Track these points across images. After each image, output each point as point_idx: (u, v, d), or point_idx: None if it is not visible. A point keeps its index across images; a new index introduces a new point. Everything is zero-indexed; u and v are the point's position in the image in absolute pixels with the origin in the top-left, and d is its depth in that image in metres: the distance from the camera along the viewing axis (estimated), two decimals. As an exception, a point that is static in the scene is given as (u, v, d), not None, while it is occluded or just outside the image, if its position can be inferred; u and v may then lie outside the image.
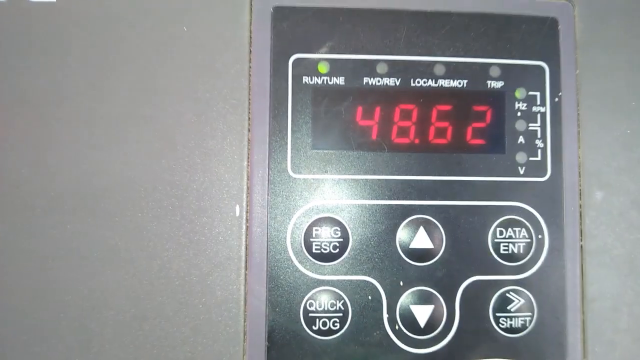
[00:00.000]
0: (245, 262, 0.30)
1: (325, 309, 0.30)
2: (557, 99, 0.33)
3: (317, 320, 0.30)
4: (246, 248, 0.30)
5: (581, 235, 0.32)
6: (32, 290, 0.29)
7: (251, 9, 0.31)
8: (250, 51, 0.31)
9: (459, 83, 0.32)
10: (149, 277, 0.30)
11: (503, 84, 0.32)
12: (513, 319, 0.31)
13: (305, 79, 0.31)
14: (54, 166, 0.30)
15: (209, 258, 0.30)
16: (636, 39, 0.34)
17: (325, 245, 0.30)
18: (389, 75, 0.32)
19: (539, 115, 0.32)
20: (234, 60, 0.31)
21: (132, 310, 0.29)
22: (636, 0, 0.35)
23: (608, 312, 0.32)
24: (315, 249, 0.30)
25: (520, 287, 0.32)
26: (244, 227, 0.30)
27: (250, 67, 0.31)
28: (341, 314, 0.30)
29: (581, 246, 0.32)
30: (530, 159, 0.32)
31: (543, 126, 0.32)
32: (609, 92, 0.34)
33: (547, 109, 0.32)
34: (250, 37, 0.31)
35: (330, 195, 0.31)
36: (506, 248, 0.32)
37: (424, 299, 0.31)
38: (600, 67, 0.34)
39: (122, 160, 0.30)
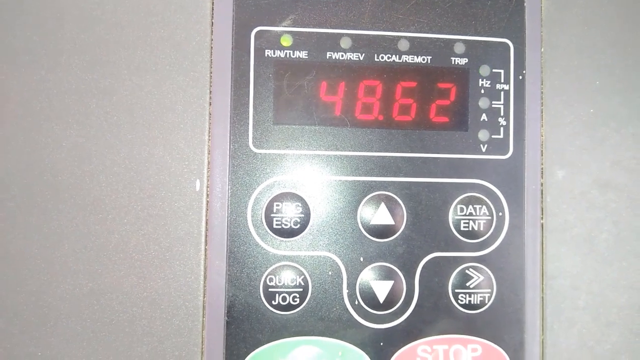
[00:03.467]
0: (205, 237, 0.32)
1: (285, 284, 0.32)
2: (521, 77, 0.34)
3: (277, 295, 0.32)
4: (206, 223, 0.32)
5: (542, 214, 0.35)
6: None
7: None
8: (212, 23, 0.32)
9: (423, 59, 0.34)
10: (107, 251, 0.31)
11: (467, 60, 0.34)
12: (472, 295, 0.33)
13: (268, 52, 0.33)
14: (13, 138, 0.31)
15: (168, 233, 0.31)
16: (602, 18, 0.36)
17: (286, 220, 0.32)
18: (352, 49, 0.33)
19: (502, 93, 0.34)
20: (195, 32, 0.32)
21: (89, 285, 0.31)
22: None
23: (567, 290, 0.35)
24: (276, 225, 0.32)
25: (480, 264, 0.34)
26: (205, 202, 0.32)
27: (212, 39, 0.32)
28: (301, 289, 0.32)
29: (542, 224, 0.34)
30: (493, 136, 0.34)
31: (506, 104, 0.34)
32: (574, 71, 0.36)
33: (511, 86, 0.34)
34: (212, 8, 0.32)
35: (292, 171, 0.32)
36: (467, 225, 0.34)
37: (383, 274, 0.33)
38: (566, 46, 0.35)
39: (79, 134, 0.31)
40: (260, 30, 0.32)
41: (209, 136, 0.32)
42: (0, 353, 0.30)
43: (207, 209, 0.31)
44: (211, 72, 0.32)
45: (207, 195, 0.31)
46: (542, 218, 0.34)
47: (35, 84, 0.31)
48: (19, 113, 0.31)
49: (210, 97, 0.32)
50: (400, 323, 0.33)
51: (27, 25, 0.31)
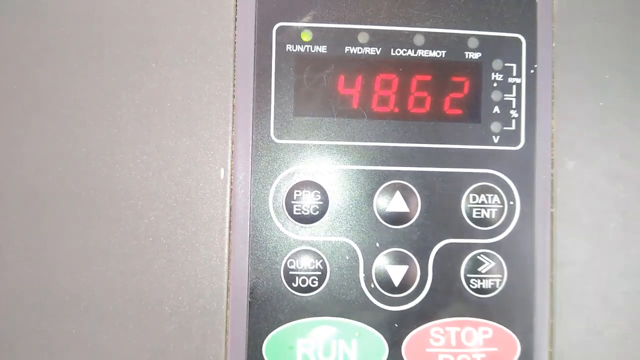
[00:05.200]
0: (229, 223, 0.34)
1: (305, 267, 0.35)
2: (532, 71, 0.37)
3: (297, 278, 0.35)
4: (230, 209, 0.34)
5: (552, 203, 0.37)
6: (25, 244, 0.34)
7: None
8: (236, 19, 0.35)
9: (438, 53, 0.36)
10: (137, 235, 0.34)
11: (480, 55, 0.36)
12: (483, 280, 0.36)
13: (289, 47, 0.35)
14: (44, 130, 0.34)
15: (194, 218, 0.34)
16: (612, 14, 0.38)
17: (306, 207, 0.35)
18: (370, 44, 0.36)
19: (514, 86, 0.37)
20: (219, 28, 0.35)
21: (120, 267, 0.34)
22: None
23: (576, 276, 0.37)
24: (296, 211, 0.35)
25: (492, 250, 0.36)
26: (228, 189, 0.34)
27: (235, 34, 0.35)
28: (320, 273, 0.35)
29: (551, 213, 0.37)
30: (505, 128, 0.37)
31: (518, 97, 0.37)
32: (584, 65, 0.38)
33: (523, 80, 0.37)
34: (236, 6, 0.35)
35: (311, 160, 0.35)
36: (479, 213, 0.36)
37: (398, 259, 0.35)
38: (576, 41, 0.38)
39: (111, 124, 0.34)
40: (282, 26, 0.35)
41: (233, 127, 0.34)
42: (37, 330, 0.33)
43: (230, 196, 0.34)
44: (235, 66, 0.34)
45: (231, 183, 0.34)
46: (552, 207, 0.36)
47: (72, 80, 0.34)
48: (54, 106, 0.34)
49: (234, 90, 0.34)
50: (414, 306, 0.35)
51: (60, 23, 0.34)
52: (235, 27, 0.34)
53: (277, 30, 0.34)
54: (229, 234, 0.34)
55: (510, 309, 0.36)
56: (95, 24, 0.34)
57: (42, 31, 0.34)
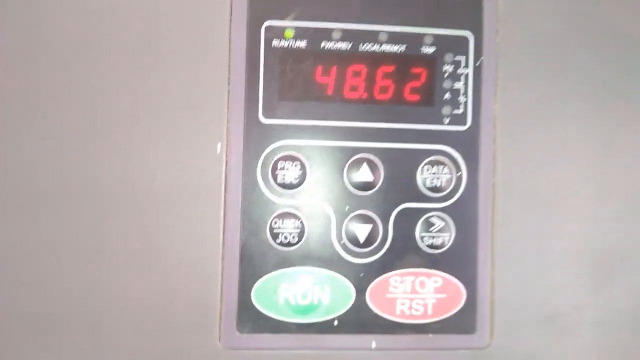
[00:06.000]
0: (225, 189, 0.41)
1: (287, 226, 0.41)
2: (478, 63, 0.44)
3: (280, 234, 0.41)
4: (225, 178, 0.41)
5: (493, 173, 0.44)
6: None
7: None
8: (231, 19, 0.41)
9: (399, 48, 0.44)
10: (147, 195, 0.40)
11: (435, 49, 0.44)
12: (435, 237, 0.43)
13: (275, 43, 0.42)
14: (47, 132, 0.39)
15: (196, 185, 0.40)
16: (551, 13, 0.44)
17: (288, 176, 0.41)
18: (342, 40, 0.43)
19: (463, 76, 0.44)
20: (217, 26, 0.41)
21: (123, 226, 0.40)
22: None
23: (513, 235, 0.43)
24: (280, 180, 0.41)
25: (442, 212, 0.43)
26: (224, 161, 0.41)
27: (230, 32, 0.41)
28: (299, 231, 0.41)
29: (493, 183, 0.43)
30: (454, 111, 0.44)
31: (466, 85, 0.44)
32: (524, 58, 0.43)
33: (470, 71, 0.43)
34: (231, 8, 0.41)
35: (293, 137, 0.41)
36: (432, 182, 0.43)
37: (364, 220, 0.42)
38: (518, 37, 0.43)
39: (120, 104, 0.40)
40: (269, 25, 0.42)
41: (228, 109, 0.41)
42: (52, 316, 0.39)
43: (225, 167, 0.41)
44: (229, 59, 0.41)
45: (226, 156, 0.41)
46: (493, 177, 0.43)
47: (82, 78, 0.40)
48: (52, 108, 0.38)
49: (229, 79, 0.41)
50: (377, 259, 0.42)
51: (55, 28, 0.39)
52: (230, 25, 0.41)
53: (265, 29, 0.41)
54: (225, 197, 0.41)
55: (458, 261, 0.42)
56: (99, 27, 0.40)
57: (38, 34, 0.39)
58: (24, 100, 0.38)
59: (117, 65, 0.40)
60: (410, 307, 0.42)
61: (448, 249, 0.42)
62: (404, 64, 0.42)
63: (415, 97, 0.42)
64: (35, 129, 0.38)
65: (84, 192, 0.40)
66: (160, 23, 0.40)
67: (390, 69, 0.42)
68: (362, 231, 0.41)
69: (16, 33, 0.39)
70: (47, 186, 0.38)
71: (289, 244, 0.40)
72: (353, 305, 0.41)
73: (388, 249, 0.41)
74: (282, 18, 0.41)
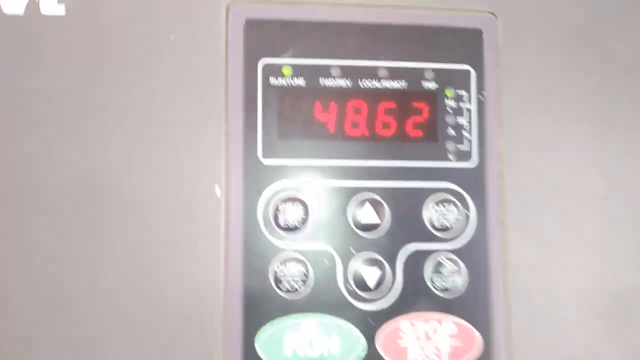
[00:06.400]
0: (225, 234, 0.39)
1: (290, 271, 0.40)
2: (481, 97, 0.44)
3: (284, 280, 0.40)
4: (225, 221, 0.39)
5: (502, 212, 0.43)
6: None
7: (227, 21, 0.41)
8: (226, 57, 0.41)
9: (399, 84, 0.43)
10: (143, 245, 0.38)
11: (436, 85, 0.44)
12: (445, 280, 0.41)
13: (272, 80, 0.41)
14: (56, 160, 0.39)
15: (195, 229, 0.38)
16: (550, 45, 0.44)
17: (290, 218, 0.40)
18: (341, 76, 0.42)
19: (466, 111, 0.44)
20: (212, 65, 0.40)
21: (125, 269, 0.38)
22: (550, 12, 0.45)
23: (526, 275, 0.42)
24: (282, 222, 0.40)
25: (452, 254, 0.42)
26: (223, 204, 0.40)
27: (226, 70, 0.40)
28: (304, 275, 0.40)
29: (502, 221, 0.43)
30: (459, 147, 0.43)
31: (469, 120, 0.43)
32: (527, 90, 0.43)
33: (473, 105, 0.43)
34: (226, 45, 0.41)
35: (294, 177, 0.40)
36: (439, 221, 0.42)
37: (371, 263, 0.40)
38: (519, 70, 0.44)
39: (120, 148, 0.39)
40: (267, 63, 0.41)
41: (226, 150, 0.40)
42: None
43: (225, 210, 0.40)
44: (226, 97, 0.40)
45: (225, 199, 0.39)
46: (502, 216, 0.42)
47: (80, 111, 0.39)
48: (67, 130, 0.39)
49: (226, 118, 0.40)
50: (386, 303, 0.40)
51: (68, 56, 0.39)
52: (227, 62, 0.40)
53: (262, 66, 0.41)
54: (225, 242, 0.39)
55: (470, 305, 0.41)
56: (102, 58, 0.39)
57: (51, 59, 0.39)
58: (34, 106, 0.38)
59: (110, 106, 0.39)
60: (424, 356, 0.40)
61: (460, 292, 0.40)
62: (406, 100, 0.41)
63: (418, 133, 0.41)
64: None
65: (75, 240, 0.38)
66: (153, 62, 0.40)
67: (391, 104, 0.41)
68: (369, 274, 0.40)
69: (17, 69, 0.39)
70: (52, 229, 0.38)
71: (294, 290, 0.39)
72: (364, 356, 0.39)
73: (397, 293, 0.40)
74: (279, 55, 0.41)
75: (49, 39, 0.39)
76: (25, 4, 0.39)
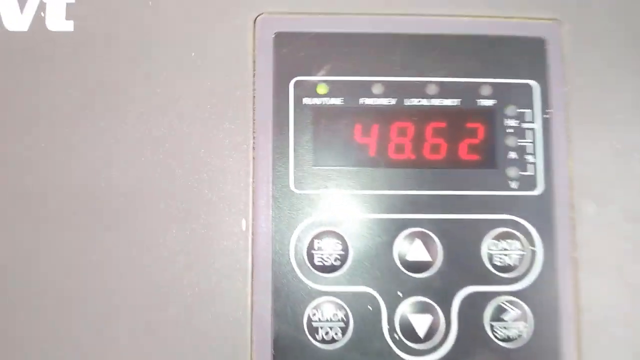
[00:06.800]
0: (252, 274, 0.35)
1: (328, 318, 0.35)
2: (546, 116, 0.38)
3: (320, 329, 0.35)
4: (252, 260, 0.35)
5: (573, 247, 0.38)
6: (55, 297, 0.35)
7: (254, 35, 0.38)
8: (254, 74, 0.37)
9: (452, 102, 0.38)
10: (161, 287, 0.35)
11: (494, 102, 0.38)
12: (508, 328, 0.36)
13: (306, 100, 0.37)
14: (76, 183, 0.36)
15: (217, 270, 0.35)
16: (621, 55, 0.39)
17: (327, 257, 0.36)
18: (384, 95, 0.37)
19: (529, 132, 0.38)
20: (239, 83, 0.36)
21: (145, 317, 0.35)
22: (621, 17, 0.40)
23: (602, 321, 0.37)
24: (317, 261, 0.36)
25: (515, 297, 0.36)
26: (250, 240, 0.36)
27: (254, 89, 0.37)
28: (343, 324, 0.35)
29: (574, 257, 0.37)
30: (522, 173, 0.38)
31: (534, 142, 0.38)
32: (597, 107, 0.39)
33: (538, 125, 0.38)
34: (254, 62, 0.37)
35: (331, 210, 0.36)
36: (500, 259, 0.37)
37: (421, 308, 0.36)
38: (588, 84, 0.39)
39: (137, 177, 0.36)
40: (299, 80, 0.37)
41: (253, 179, 0.36)
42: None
43: (252, 247, 0.35)
44: (254, 120, 0.36)
45: (252, 234, 0.35)
46: (573, 251, 0.37)
47: (98, 136, 0.36)
48: (85, 159, 0.36)
49: (254, 143, 0.36)
50: (440, 356, 0.35)
51: (89, 82, 0.37)
52: (254, 82, 0.36)
53: (294, 85, 0.36)
54: (252, 285, 0.35)
55: (537, 356, 0.36)
56: (118, 80, 0.36)
57: (74, 89, 0.36)
58: (48, 125, 0.36)
59: (126, 128, 0.36)
60: (486, 419, 0.35)
61: (525, 341, 0.36)
62: (458, 119, 0.37)
63: (474, 157, 0.36)
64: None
65: (89, 285, 0.35)
66: (174, 81, 0.37)
67: (441, 124, 0.36)
68: (419, 322, 0.35)
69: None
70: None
71: (331, 341, 0.35)
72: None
73: (452, 344, 0.36)
74: (313, 72, 0.37)
75: (57, 55, 0.37)
76: (30, 20, 0.37)
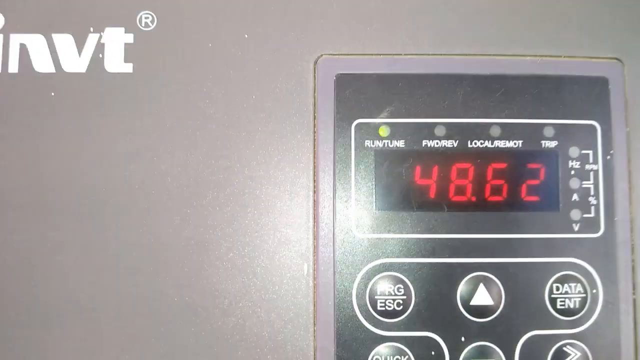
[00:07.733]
0: (314, 319, 0.35)
1: (392, 364, 0.35)
2: (609, 157, 0.38)
3: (383, 375, 0.35)
4: (314, 305, 0.36)
5: (634, 289, 0.37)
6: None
7: (315, 76, 0.37)
8: (315, 117, 0.37)
9: (515, 143, 0.37)
10: (225, 333, 0.35)
11: (557, 143, 0.38)
12: None
13: (367, 143, 0.37)
14: (151, 238, 0.36)
15: (280, 315, 0.35)
16: None
17: (390, 302, 0.36)
18: (447, 137, 0.37)
19: (591, 173, 0.38)
20: (300, 126, 0.36)
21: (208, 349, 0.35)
22: None
23: None
24: (380, 306, 0.36)
25: (577, 340, 0.36)
26: (312, 285, 0.36)
27: (315, 132, 0.37)
28: None
29: (634, 300, 0.37)
30: (584, 215, 0.37)
31: (596, 183, 0.38)
32: None
33: (600, 166, 0.38)
34: (315, 104, 0.37)
35: (394, 254, 0.36)
36: (562, 303, 0.37)
37: (485, 354, 0.36)
38: None
39: (197, 224, 0.36)
40: (360, 123, 0.37)
41: (315, 223, 0.36)
42: None
43: (314, 292, 0.35)
44: (315, 162, 0.36)
45: (315, 278, 0.35)
46: (634, 293, 0.37)
47: (159, 179, 0.37)
48: (148, 209, 0.36)
49: (315, 186, 0.36)
50: None
51: (147, 126, 0.37)
52: (315, 124, 0.36)
53: (355, 127, 0.36)
54: (314, 330, 0.35)
55: None
56: (178, 120, 0.37)
57: (126, 131, 0.37)
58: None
59: (193, 178, 0.36)
60: None
61: None
62: (519, 161, 0.36)
63: (535, 199, 0.36)
64: None
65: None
66: (233, 124, 0.37)
67: (502, 165, 0.35)
68: None
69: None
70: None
71: None
72: None
73: None
74: (375, 114, 0.37)
75: (116, 96, 0.37)
76: (88, 62, 0.37)
